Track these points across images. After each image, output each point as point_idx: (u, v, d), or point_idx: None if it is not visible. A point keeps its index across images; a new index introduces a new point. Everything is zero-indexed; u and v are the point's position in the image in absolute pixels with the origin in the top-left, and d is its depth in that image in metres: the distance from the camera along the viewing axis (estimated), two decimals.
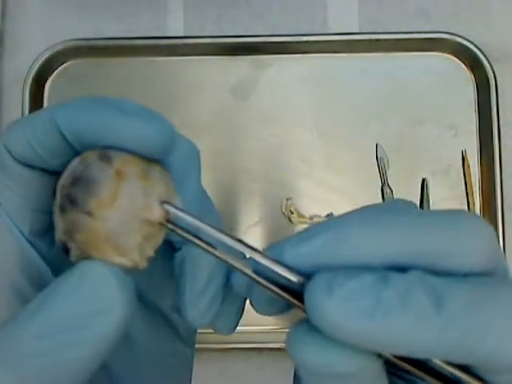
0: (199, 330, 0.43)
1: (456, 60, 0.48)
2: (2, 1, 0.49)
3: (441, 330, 0.14)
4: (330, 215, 0.47)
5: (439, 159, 0.48)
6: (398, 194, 0.47)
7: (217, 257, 0.16)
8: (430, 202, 0.47)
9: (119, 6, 0.49)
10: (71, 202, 0.16)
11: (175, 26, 0.49)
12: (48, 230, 0.20)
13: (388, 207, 0.18)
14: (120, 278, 0.16)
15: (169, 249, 0.22)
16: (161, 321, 0.23)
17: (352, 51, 0.48)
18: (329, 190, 0.47)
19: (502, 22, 0.49)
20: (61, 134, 0.18)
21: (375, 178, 0.47)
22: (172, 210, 0.17)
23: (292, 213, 0.47)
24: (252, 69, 0.48)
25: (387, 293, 0.14)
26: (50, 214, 0.19)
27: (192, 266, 0.20)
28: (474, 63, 0.47)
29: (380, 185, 0.47)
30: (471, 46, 0.47)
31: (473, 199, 0.47)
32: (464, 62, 0.48)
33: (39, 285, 0.19)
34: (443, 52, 0.48)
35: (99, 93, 0.47)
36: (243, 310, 0.22)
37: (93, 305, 0.16)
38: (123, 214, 0.16)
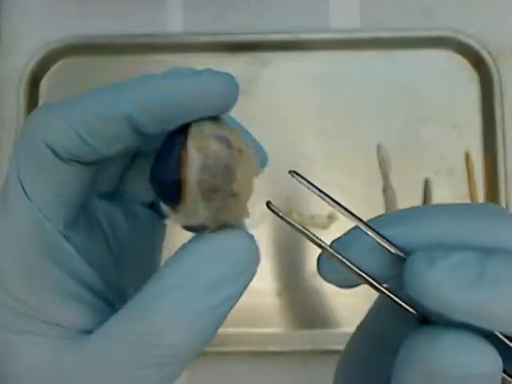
0: None
1: (459, 58, 0.48)
2: None
3: None
4: (330, 216, 0.46)
5: (442, 159, 0.47)
6: (401, 194, 0.46)
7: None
8: (433, 203, 0.46)
9: (117, 4, 0.49)
10: (216, 190, 0.18)
11: (174, 23, 0.49)
12: (76, 220, 0.20)
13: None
14: (255, 243, 0.19)
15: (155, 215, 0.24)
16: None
17: (353, 49, 0.47)
18: (330, 190, 0.46)
19: (506, 19, 0.48)
20: (126, 118, 0.18)
21: (377, 178, 0.47)
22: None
23: (292, 212, 0.46)
24: (252, 66, 0.48)
25: (492, 265, 0.14)
26: (79, 206, 0.20)
27: None
28: (477, 61, 0.47)
29: (382, 184, 0.47)
30: (475, 44, 0.46)
31: (476, 199, 0.46)
32: (468, 60, 0.47)
33: (68, 270, 0.19)
34: (446, 50, 0.47)
35: None
36: None
37: (239, 267, 0.18)
38: (248, 183, 0.19)
